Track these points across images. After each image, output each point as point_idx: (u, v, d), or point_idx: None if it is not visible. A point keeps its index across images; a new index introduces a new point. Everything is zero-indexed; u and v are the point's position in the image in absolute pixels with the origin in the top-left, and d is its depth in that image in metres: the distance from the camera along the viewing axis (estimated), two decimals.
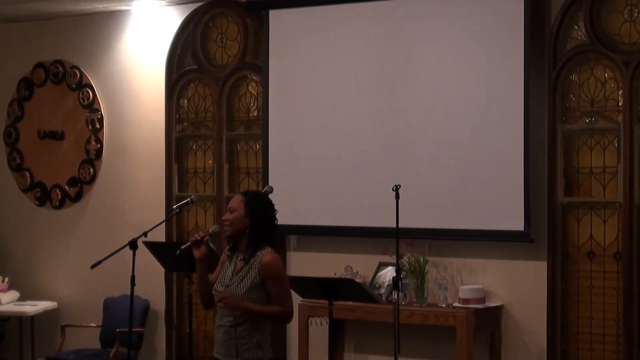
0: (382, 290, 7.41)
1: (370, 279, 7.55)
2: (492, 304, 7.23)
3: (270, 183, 7.43)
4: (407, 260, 7.31)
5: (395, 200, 6.49)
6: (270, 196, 6.66)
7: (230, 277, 5.12)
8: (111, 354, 8.18)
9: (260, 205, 5.15)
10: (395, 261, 6.68)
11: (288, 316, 5.18)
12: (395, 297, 6.52)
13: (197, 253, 5.13)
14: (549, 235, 7.10)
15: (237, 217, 5.10)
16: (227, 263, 5.20)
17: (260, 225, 5.11)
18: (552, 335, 7.09)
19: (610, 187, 7.02)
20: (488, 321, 7.17)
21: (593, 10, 7.02)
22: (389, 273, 7.45)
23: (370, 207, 7.57)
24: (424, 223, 7.38)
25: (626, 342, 6.88)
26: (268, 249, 5.11)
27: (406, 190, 6.63)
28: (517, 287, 7.23)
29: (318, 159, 7.86)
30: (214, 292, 5.16)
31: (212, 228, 5.26)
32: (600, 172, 7.06)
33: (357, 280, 6.87)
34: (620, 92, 6.95)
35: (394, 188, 6.51)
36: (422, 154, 7.46)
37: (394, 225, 6.52)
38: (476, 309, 7.08)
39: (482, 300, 7.17)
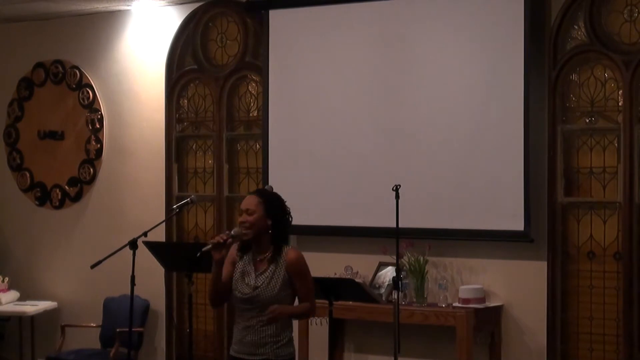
0: (382, 290, 7.41)
1: (370, 279, 7.55)
2: (492, 304, 7.23)
3: (270, 183, 7.43)
4: (407, 260, 7.31)
5: (395, 200, 6.49)
6: None
7: (255, 278, 5.07)
8: (111, 354, 8.18)
9: (277, 204, 5.13)
10: (395, 261, 6.68)
11: (315, 311, 5.22)
12: (395, 297, 6.52)
13: (217, 255, 5.04)
14: (549, 235, 7.10)
15: (258, 218, 5.06)
16: (242, 264, 5.13)
17: (282, 224, 5.11)
18: (552, 335, 7.09)
19: (610, 187, 7.02)
20: (488, 321, 7.17)
21: (593, 10, 7.02)
22: (389, 273, 7.45)
23: (370, 207, 7.57)
24: (424, 223, 7.38)
25: (626, 342, 6.88)
26: (290, 246, 5.14)
27: (406, 190, 6.64)
28: (517, 287, 7.23)
29: (318, 159, 7.86)
30: (238, 294, 5.08)
31: (235, 230, 5.11)
32: (600, 172, 7.06)
33: (357, 280, 6.88)
34: (620, 92, 6.95)
35: (394, 188, 6.51)
36: (422, 153, 7.46)
37: (394, 225, 6.52)
38: (476, 309, 7.08)
39: (482, 300, 7.17)
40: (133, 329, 7.14)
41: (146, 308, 8.52)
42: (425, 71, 7.47)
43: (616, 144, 6.99)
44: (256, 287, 5.05)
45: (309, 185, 7.87)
